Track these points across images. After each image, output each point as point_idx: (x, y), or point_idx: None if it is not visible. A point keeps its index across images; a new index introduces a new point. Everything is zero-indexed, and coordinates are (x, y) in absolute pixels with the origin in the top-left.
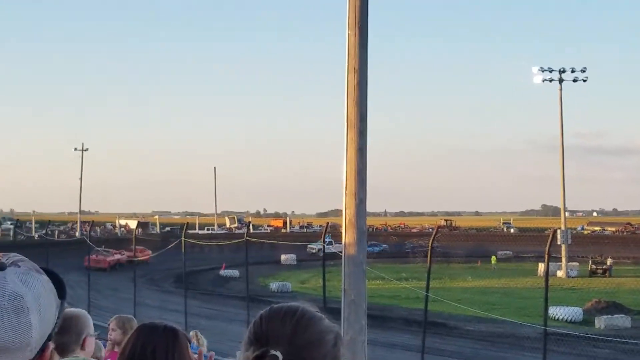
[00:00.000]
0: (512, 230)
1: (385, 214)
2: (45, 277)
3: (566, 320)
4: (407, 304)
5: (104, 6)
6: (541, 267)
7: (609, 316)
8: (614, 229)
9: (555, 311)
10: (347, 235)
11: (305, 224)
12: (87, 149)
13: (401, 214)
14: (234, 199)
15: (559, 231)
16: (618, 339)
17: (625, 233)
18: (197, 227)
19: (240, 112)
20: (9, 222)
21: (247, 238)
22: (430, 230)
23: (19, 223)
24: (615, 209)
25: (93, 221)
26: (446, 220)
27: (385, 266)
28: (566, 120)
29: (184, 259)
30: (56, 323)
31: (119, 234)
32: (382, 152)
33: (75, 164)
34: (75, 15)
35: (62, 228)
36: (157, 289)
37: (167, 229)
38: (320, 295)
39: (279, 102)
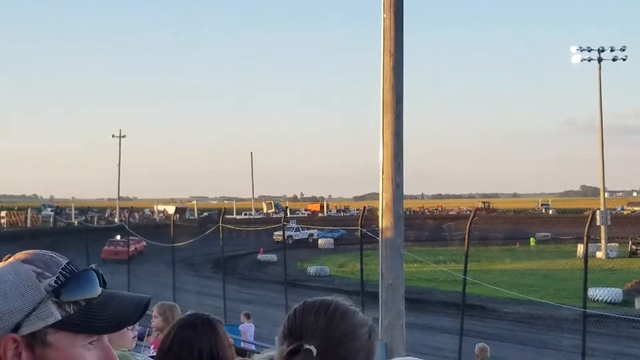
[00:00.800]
0: (550, 212)
1: (423, 196)
2: (26, 267)
3: (606, 302)
4: (445, 286)
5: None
6: (580, 248)
7: None
8: None
9: (594, 292)
10: (384, 219)
11: (343, 208)
12: (124, 136)
13: (438, 196)
14: (271, 183)
15: (598, 212)
16: None
17: None
18: (234, 212)
19: (276, 97)
20: (49, 209)
21: (284, 223)
22: (468, 212)
23: (59, 210)
24: None
25: (132, 207)
26: (484, 202)
27: (423, 249)
28: (605, 100)
29: (222, 244)
30: (30, 312)
31: (157, 220)
32: (419, 134)
33: (114, 151)
34: (110, 8)
35: (100, 215)
36: (195, 274)
37: (205, 214)
38: (358, 279)
39: (315, 86)
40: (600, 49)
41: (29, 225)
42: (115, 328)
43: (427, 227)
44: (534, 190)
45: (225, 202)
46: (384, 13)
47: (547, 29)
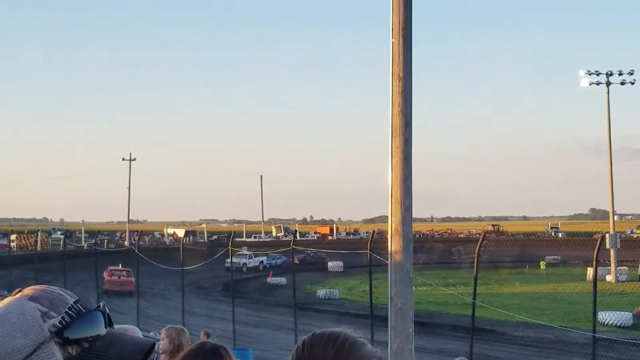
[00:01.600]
0: (560, 235)
1: (432, 219)
2: (32, 305)
3: (616, 325)
4: (454, 310)
5: (148, 22)
6: (590, 271)
7: None
8: None
9: (604, 316)
10: (393, 243)
11: (352, 231)
12: (134, 159)
13: (448, 219)
14: (281, 206)
15: (607, 235)
16: None
17: None
18: (244, 235)
19: (286, 119)
20: (59, 232)
21: (294, 247)
22: (478, 235)
23: (69, 233)
24: None
25: (141, 231)
26: (493, 225)
27: (433, 272)
28: (615, 122)
29: (231, 267)
30: (30, 355)
31: (167, 243)
32: (428, 157)
33: (124, 174)
34: (121, 28)
35: (110, 238)
36: (205, 297)
37: (215, 237)
38: (367, 302)
39: (324, 108)
40: (609, 72)
41: (38, 248)
42: None
43: (436, 250)
44: (543, 214)
45: (235, 224)
46: (392, 38)
47: (557, 52)
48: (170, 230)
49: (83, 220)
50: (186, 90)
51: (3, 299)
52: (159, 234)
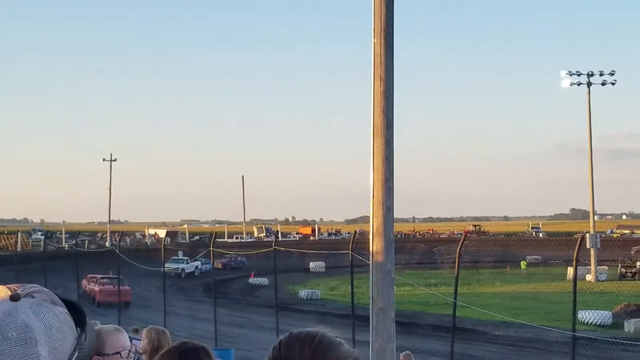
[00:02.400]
0: (540, 235)
1: (414, 219)
2: (60, 309)
3: (595, 324)
4: (436, 310)
5: (128, 23)
6: (570, 271)
7: (639, 319)
8: None
9: (584, 315)
10: (375, 244)
11: (334, 231)
12: (115, 160)
13: (429, 219)
14: (263, 207)
15: (587, 235)
16: None
17: None
18: (225, 236)
19: (267, 120)
20: (39, 233)
21: (275, 247)
22: (459, 236)
23: (49, 234)
24: None
25: (122, 231)
26: (475, 225)
27: (414, 272)
28: (595, 123)
29: (213, 267)
30: (72, 354)
31: (148, 244)
32: (410, 157)
33: (104, 175)
34: (102, 28)
35: (91, 238)
36: (186, 298)
37: (196, 238)
38: (349, 302)
39: (306, 109)
40: (590, 73)
41: (19, 249)
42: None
43: (418, 250)
44: (524, 214)
45: (217, 225)
46: (374, 38)
47: (537, 53)
48: (152, 231)
49: (64, 221)
50: (167, 91)
51: None
52: (140, 234)
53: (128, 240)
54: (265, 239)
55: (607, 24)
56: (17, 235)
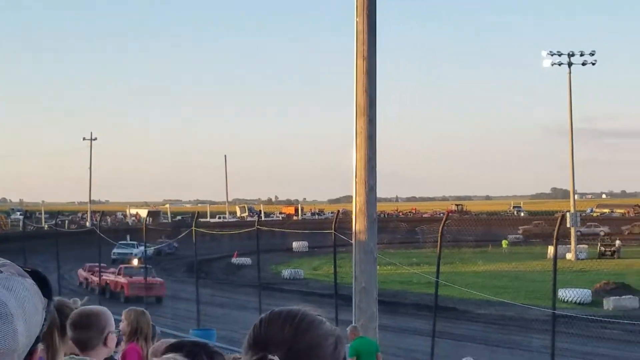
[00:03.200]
0: (522, 214)
1: (397, 199)
2: (29, 281)
3: (575, 302)
4: (418, 289)
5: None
6: (551, 250)
7: (618, 297)
8: (623, 210)
9: (564, 293)
10: (358, 223)
11: (317, 211)
12: (95, 139)
13: (412, 199)
14: (246, 186)
15: (568, 214)
16: (626, 321)
17: (634, 214)
18: (208, 216)
19: (250, 99)
20: (18, 213)
21: (258, 227)
22: (441, 215)
23: (29, 214)
24: (623, 191)
25: (103, 211)
26: (457, 205)
27: (397, 252)
28: (576, 103)
29: (195, 247)
30: (43, 324)
31: (130, 224)
32: (392, 137)
33: (85, 154)
34: (85, 7)
35: (71, 218)
36: (169, 278)
37: (178, 217)
38: (332, 282)
39: (289, 89)
40: (570, 53)
41: None
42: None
43: (400, 229)
44: (506, 193)
45: (199, 205)
46: (357, 16)
47: (518, 32)
48: (133, 211)
49: (43, 201)
50: (148, 69)
51: None
52: (122, 214)
53: (109, 220)
54: (248, 219)
55: (588, 3)
56: None
